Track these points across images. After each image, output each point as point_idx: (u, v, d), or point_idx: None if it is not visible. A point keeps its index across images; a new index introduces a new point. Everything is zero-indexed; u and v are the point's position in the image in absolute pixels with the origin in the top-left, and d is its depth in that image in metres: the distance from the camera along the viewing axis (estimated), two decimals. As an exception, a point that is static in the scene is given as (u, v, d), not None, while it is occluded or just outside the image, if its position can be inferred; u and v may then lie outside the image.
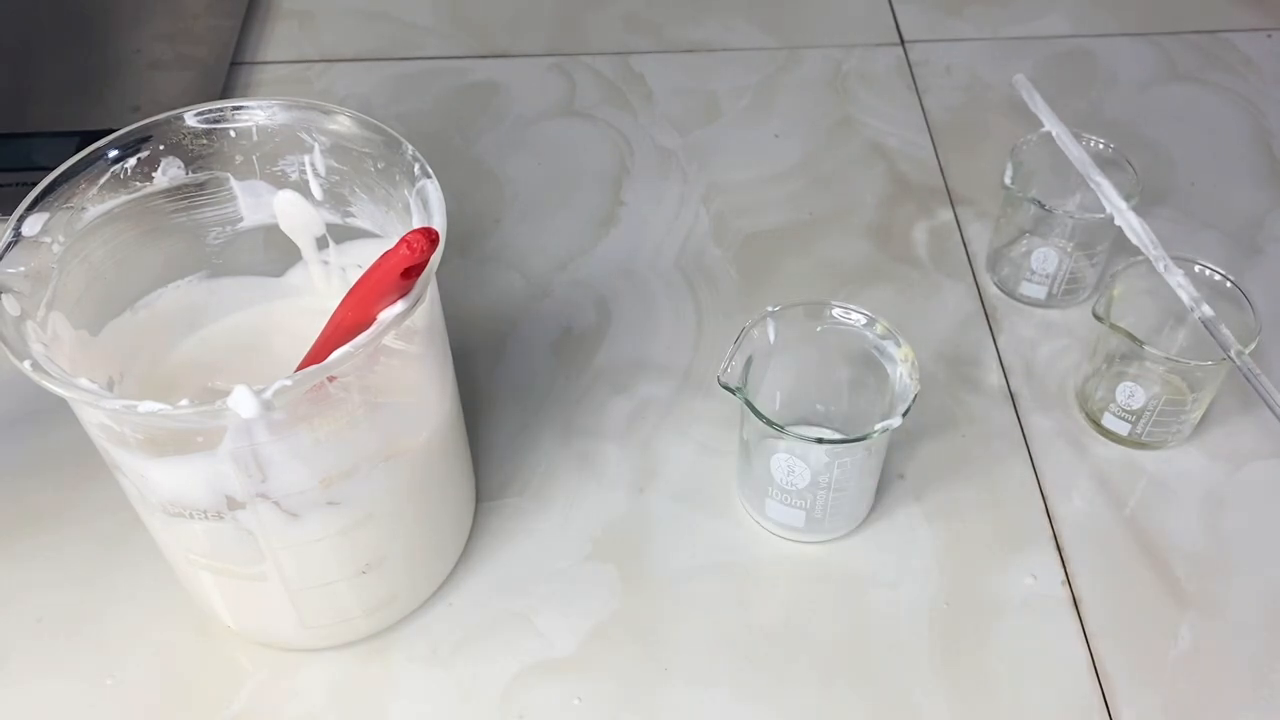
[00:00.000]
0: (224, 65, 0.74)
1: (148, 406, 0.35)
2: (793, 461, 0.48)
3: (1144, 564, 0.52)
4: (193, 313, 0.49)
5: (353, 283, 0.38)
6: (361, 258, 0.48)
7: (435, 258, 0.38)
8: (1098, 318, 0.54)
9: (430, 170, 0.42)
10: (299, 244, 0.49)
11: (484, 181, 0.69)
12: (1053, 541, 0.52)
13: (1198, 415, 0.55)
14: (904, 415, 0.46)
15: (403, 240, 0.36)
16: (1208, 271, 0.55)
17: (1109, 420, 0.56)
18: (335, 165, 0.46)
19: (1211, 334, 0.52)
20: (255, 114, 0.45)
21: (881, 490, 0.53)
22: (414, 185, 0.42)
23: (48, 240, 0.41)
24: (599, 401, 0.57)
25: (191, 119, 0.45)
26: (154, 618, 0.49)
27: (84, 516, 0.52)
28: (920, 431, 0.56)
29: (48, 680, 0.47)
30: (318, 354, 0.39)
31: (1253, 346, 0.51)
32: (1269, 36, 0.81)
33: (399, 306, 0.37)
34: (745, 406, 0.47)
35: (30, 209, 0.41)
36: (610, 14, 0.81)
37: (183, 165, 0.45)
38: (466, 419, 0.51)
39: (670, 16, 0.81)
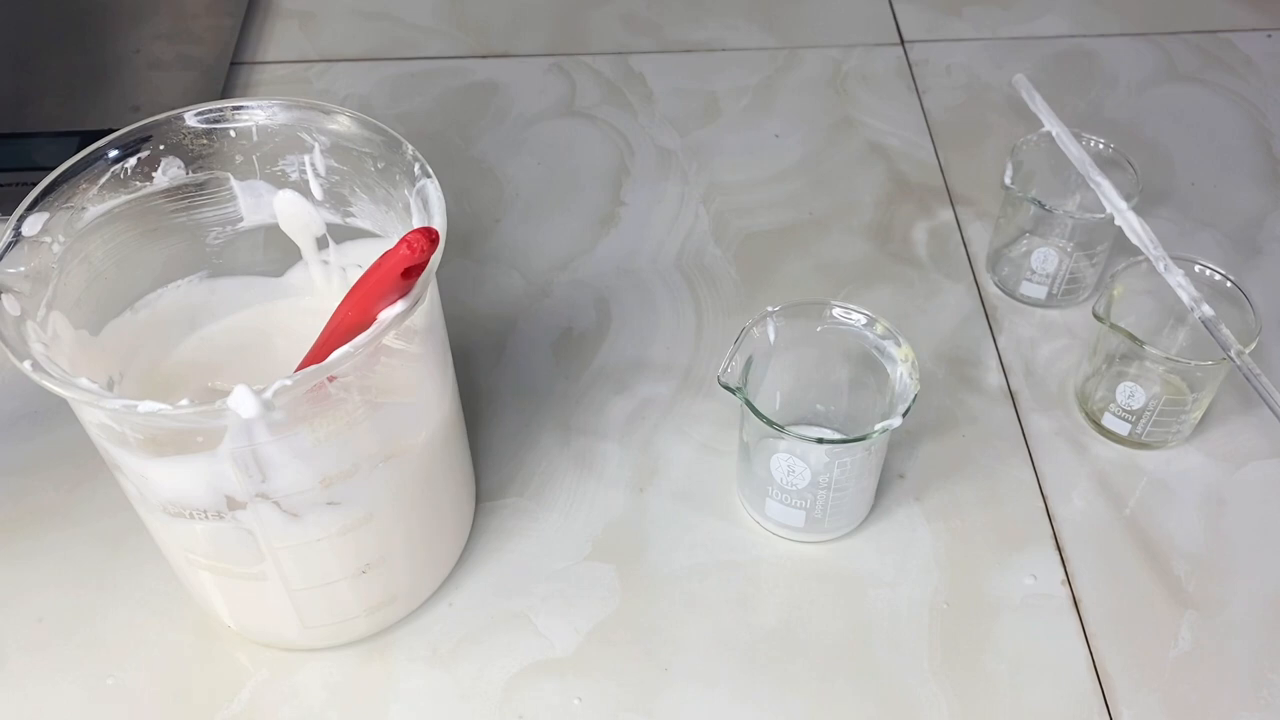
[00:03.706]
0: (224, 65, 0.74)
1: (148, 406, 0.35)
2: (793, 461, 0.48)
3: (1144, 564, 0.52)
4: (193, 312, 0.49)
5: (353, 283, 0.38)
6: (361, 258, 0.48)
7: (435, 258, 0.38)
8: (1098, 317, 0.54)
9: (430, 170, 0.42)
10: (299, 244, 0.49)
11: (484, 181, 0.69)
12: (1053, 541, 0.52)
13: (1198, 415, 0.55)
14: (904, 415, 0.46)
15: (403, 240, 0.36)
16: (1208, 271, 0.55)
17: (1109, 420, 0.56)
18: (335, 165, 0.46)
19: (1212, 334, 0.52)
20: (255, 114, 0.45)
21: (881, 490, 0.53)
22: (414, 185, 0.42)
23: (48, 240, 0.41)
24: (599, 401, 0.57)
25: (191, 119, 0.45)
26: (154, 618, 0.49)
27: (84, 516, 0.52)
28: (920, 431, 0.56)
29: (48, 680, 0.47)
30: (318, 354, 0.39)
31: (1253, 346, 0.51)
32: (1269, 36, 0.81)
33: (399, 306, 0.37)
34: (745, 406, 0.47)
35: (30, 209, 0.41)
36: (610, 14, 0.81)
37: (183, 165, 0.45)
38: (466, 419, 0.51)
39: (670, 16, 0.81)
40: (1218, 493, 0.54)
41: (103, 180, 0.43)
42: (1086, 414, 0.57)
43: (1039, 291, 0.62)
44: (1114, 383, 0.55)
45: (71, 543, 0.51)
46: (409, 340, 0.41)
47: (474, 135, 0.72)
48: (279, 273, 0.50)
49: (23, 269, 0.40)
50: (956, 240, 0.66)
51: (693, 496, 0.53)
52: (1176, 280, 0.54)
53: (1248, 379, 0.50)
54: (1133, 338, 0.52)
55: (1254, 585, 0.51)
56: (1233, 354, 0.51)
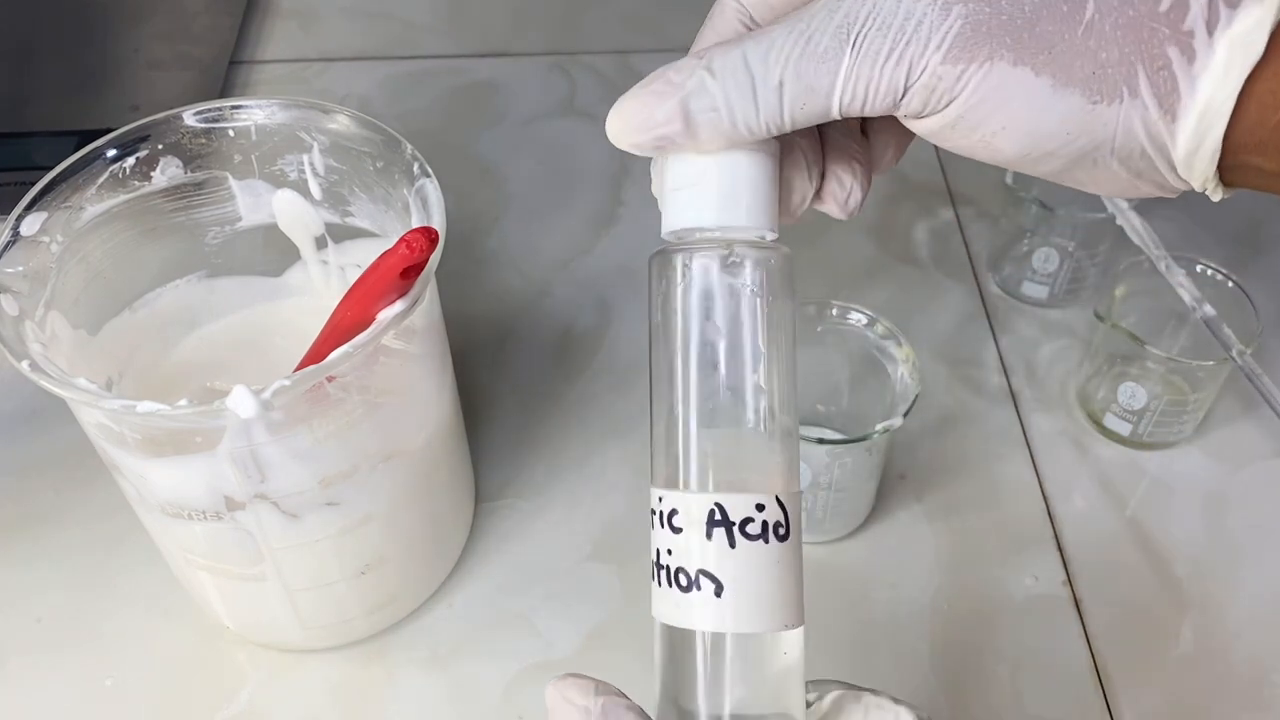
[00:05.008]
0: (223, 64, 0.74)
1: (146, 406, 0.35)
2: (793, 462, 0.48)
3: (1145, 564, 0.51)
4: (192, 312, 0.49)
5: (352, 282, 0.38)
6: (360, 257, 0.48)
7: (434, 257, 0.38)
8: (1099, 317, 0.54)
9: (429, 170, 0.42)
10: (298, 243, 0.49)
11: (484, 181, 0.69)
12: (1054, 542, 0.52)
13: (1199, 415, 0.55)
14: (905, 415, 0.46)
15: (402, 240, 0.36)
16: (1209, 271, 0.55)
17: (1110, 420, 0.55)
18: (334, 164, 0.46)
19: (1213, 334, 0.52)
20: (254, 113, 0.45)
21: (882, 490, 0.53)
22: (413, 185, 0.42)
23: (46, 240, 0.41)
24: (599, 401, 0.57)
25: (190, 118, 0.45)
26: (154, 618, 0.49)
27: (84, 517, 0.52)
28: (921, 431, 0.56)
29: (47, 681, 0.47)
30: (317, 354, 0.39)
31: (1254, 346, 0.51)
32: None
33: (398, 306, 0.37)
34: (746, 406, 0.47)
35: (29, 208, 0.41)
36: (610, 13, 0.81)
37: (181, 164, 0.45)
38: (466, 419, 0.51)
39: (670, 15, 0.81)
40: (1219, 493, 0.54)
41: (101, 180, 0.43)
42: (1088, 414, 0.57)
43: (1040, 291, 0.62)
44: (1115, 383, 0.55)
45: (70, 544, 0.51)
46: (408, 340, 0.41)
47: (474, 135, 0.72)
48: (278, 272, 0.50)
49: (21, 268, 0.40)
50: (958, 240, 0.66)
51: (693, 497, 0.53)
52: (1178, 280, 0.54)
53: (1249, 379, 0.50)
54: (1134, 338, 0.52)
55: (1255, 585, 0.51)
56: (1234, 354, 0.51)
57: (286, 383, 0.35)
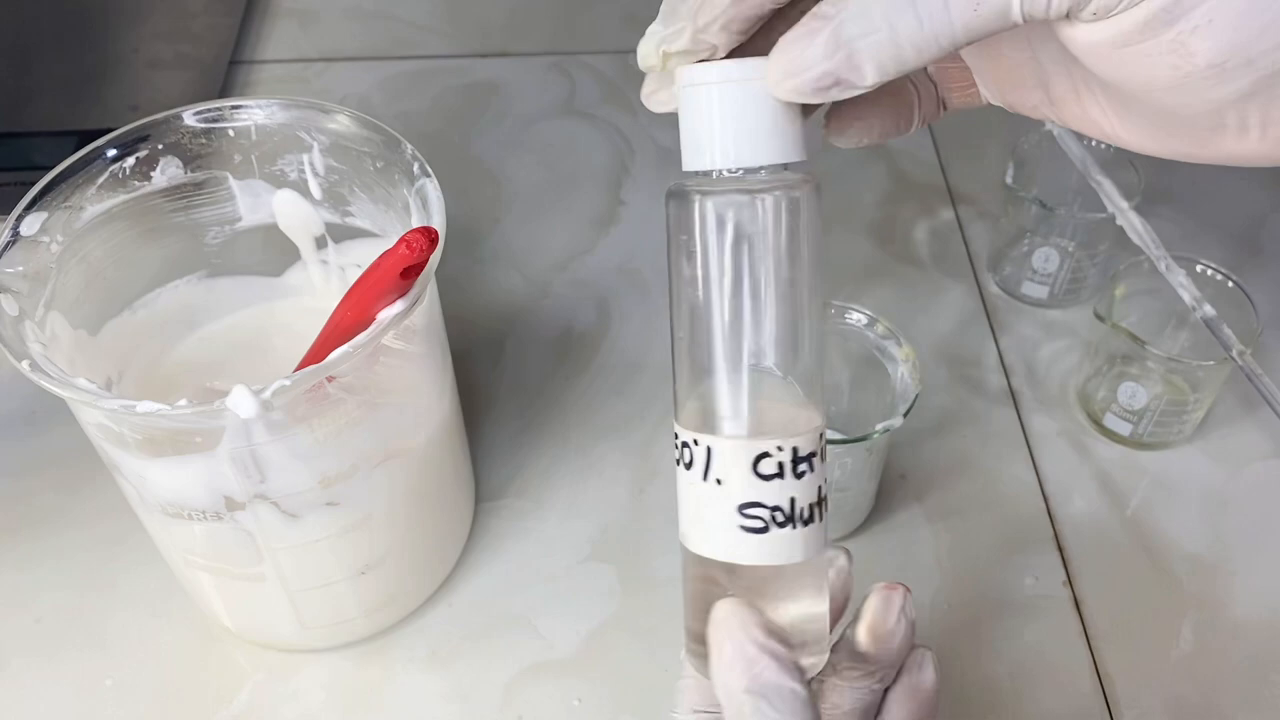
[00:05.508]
0: (223, 64, 0.74)
1: (146, 406, 0.34)
2: (793, 462, 0.48)
3: (1145, 564, 0.51)
4: (191, 312, 0.49)
5: (352, 282, 0.38)
6: (360, 257, 0.48)
7: (434, 257, 0.38)
8: (1099, 317, 0.54)
9: (429, 169, 0.42)
10: (298, 243, 0.49)
11: (484, 181, 0.69)
12: (1054, 542, 0.52)
13: (1199, 415, 0.55)
14: (905, 415, 0.46)
15: (402, 240, 0.36)
16: (1209, 271, 0.55)
17: (1110, 420, 0.55)
18: (334, 164, 0.46)
19: (1213, 334, 0.52)
20: (254, 113, 0.45)
21: (883, 490, 0.53)
22: (413, 184, 0.42)
23: (46, 240, 0.41)
24: (599, 401, 0.57)
25: (190, 118, 0.45)
26: (153, 618, 0.49)
27: (83, 518, 0.52)
28: (921, 431, 0.56)
29: (47, 681, 0.47)
30: (316, 354, 0.39)
31: (1254, 346, 0.51)
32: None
33: (398, 306, 0.37)
34: (746, 406, 0.47)
35: (29, 208, 0.41)
36: (610, 12, 0.81)
37: (181, 164, 0.45)
38: (466, 419, 0.51)
39: (670, 16, 0.81)
40: (1219, 493, 0.54)
41: (101, 180, 0.43)
42: (1088, 414, 0.57)
43: (1040, 291, 0.62)
44: (1115, 383, 0.55)
45: (70, 544, 0.51)
46: (408, 340, 0.41)
47: (473, 135, 0.72)
48: (278, 272, 0.50)
49: (21, 269, 0.40)
50: (958, 240, 0.66)
51: (693, 497, 0.53)
52: (1178, 280, 0.53)
53: (1249, 379, 0.50)
54: (1134, 338, 0.52)
55: (1255, 585, 0.51)
56: (1234, 354, 0.51)
57: (286, 383, 0.35)
